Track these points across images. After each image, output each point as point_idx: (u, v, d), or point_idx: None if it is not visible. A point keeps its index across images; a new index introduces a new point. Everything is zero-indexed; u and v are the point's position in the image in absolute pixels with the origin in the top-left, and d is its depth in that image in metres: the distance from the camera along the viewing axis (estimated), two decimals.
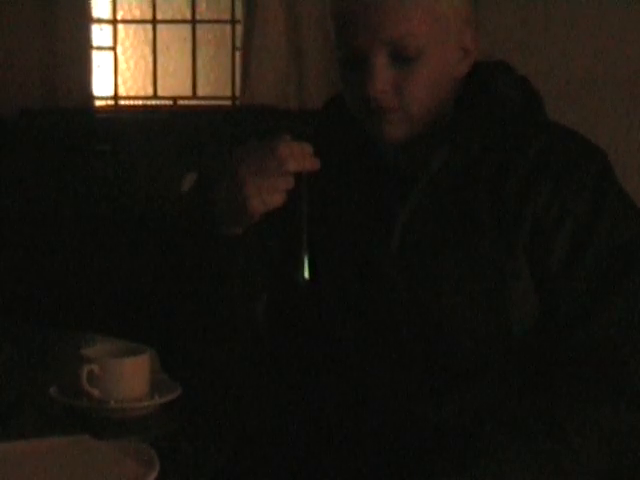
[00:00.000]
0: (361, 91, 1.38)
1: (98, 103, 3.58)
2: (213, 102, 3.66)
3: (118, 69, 3.67)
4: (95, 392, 1.45)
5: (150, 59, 3.67)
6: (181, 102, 3.68)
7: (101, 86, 3.63)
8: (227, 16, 3.64)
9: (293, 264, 1.38)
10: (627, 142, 2.97)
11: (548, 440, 1.26)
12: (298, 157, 1.32)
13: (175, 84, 3.69)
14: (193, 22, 3.67)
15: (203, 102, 3.67)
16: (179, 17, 3.68)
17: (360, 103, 1.40)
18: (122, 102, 3.69)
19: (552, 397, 1.31)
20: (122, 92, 3.69)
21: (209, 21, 3.67)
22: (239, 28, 3.51)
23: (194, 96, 3.67)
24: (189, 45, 3.67)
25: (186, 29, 3.67)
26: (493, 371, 1.37)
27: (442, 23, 1.37)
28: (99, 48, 3.62)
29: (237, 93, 3.54)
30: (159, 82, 3.68)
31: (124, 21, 3.68)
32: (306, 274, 1.37)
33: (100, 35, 3.64)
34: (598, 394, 1.30)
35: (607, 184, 1.39)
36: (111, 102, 3.67)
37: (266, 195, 1.32)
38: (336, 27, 1.40)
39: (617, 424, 1.29)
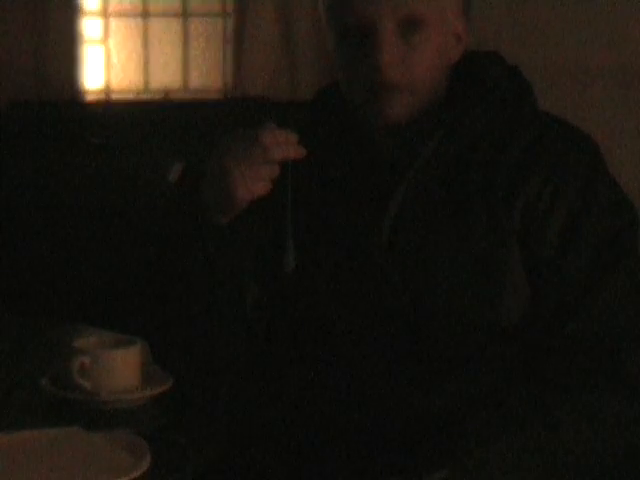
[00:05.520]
0: (366, 65, 1.37)
1: (89, 96, 3.57)
2: (205, 95, 3.66)
3: (110, 62, 3.66)
4: (86, 384, 1.45)
5: (141, 52, 3.66)
6: (173, 95, 3.68)
7: (92, 79, 3.61)
8: (218, 9, 3.63)
9: (279, 252, 1.38)
10: (617, 131, 2.98)
11: (540, 428, 1.26)
12: (282, 145, 1.32)
13: (166, 77, 3.68)
14: (184, 15, 3.66)
15: (195, 95, 3.67)
16: (170, 10, 3.67)
17: (363, 80, 1.38)
18: (113, 95, 3.68)
19: (544, 385, 1.31)
20: (113, 85, 3.68)
21: (200, 14, 3.66)
22: (230, 21, 3.50)
23: (186, 89, 3.66)
24: (180, 38, 3.66)
25: (177, 22, 3.67)
26: (485, 359, 1.37)
27: (440, 3, 1.38)
28: (90, 41, 3.61)
29: (229, 85, 3.54)
30: (150, 75, 3.67)
31: (115, 14, 3.67)
32: (292, 262, 1.37)
33: (91, 28, 3.62)
34: (590, 382, 1.30)
35: (598, 173, 1.39)
36: (102, 95, 3.66)
37: (251, 183, 1.32)
38: (341, 2, 1.38)
39: (609, 412, 1.29)
